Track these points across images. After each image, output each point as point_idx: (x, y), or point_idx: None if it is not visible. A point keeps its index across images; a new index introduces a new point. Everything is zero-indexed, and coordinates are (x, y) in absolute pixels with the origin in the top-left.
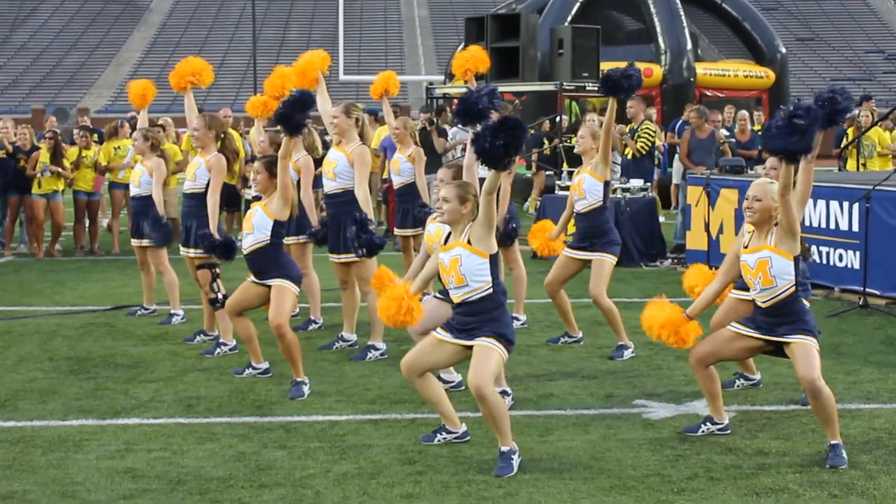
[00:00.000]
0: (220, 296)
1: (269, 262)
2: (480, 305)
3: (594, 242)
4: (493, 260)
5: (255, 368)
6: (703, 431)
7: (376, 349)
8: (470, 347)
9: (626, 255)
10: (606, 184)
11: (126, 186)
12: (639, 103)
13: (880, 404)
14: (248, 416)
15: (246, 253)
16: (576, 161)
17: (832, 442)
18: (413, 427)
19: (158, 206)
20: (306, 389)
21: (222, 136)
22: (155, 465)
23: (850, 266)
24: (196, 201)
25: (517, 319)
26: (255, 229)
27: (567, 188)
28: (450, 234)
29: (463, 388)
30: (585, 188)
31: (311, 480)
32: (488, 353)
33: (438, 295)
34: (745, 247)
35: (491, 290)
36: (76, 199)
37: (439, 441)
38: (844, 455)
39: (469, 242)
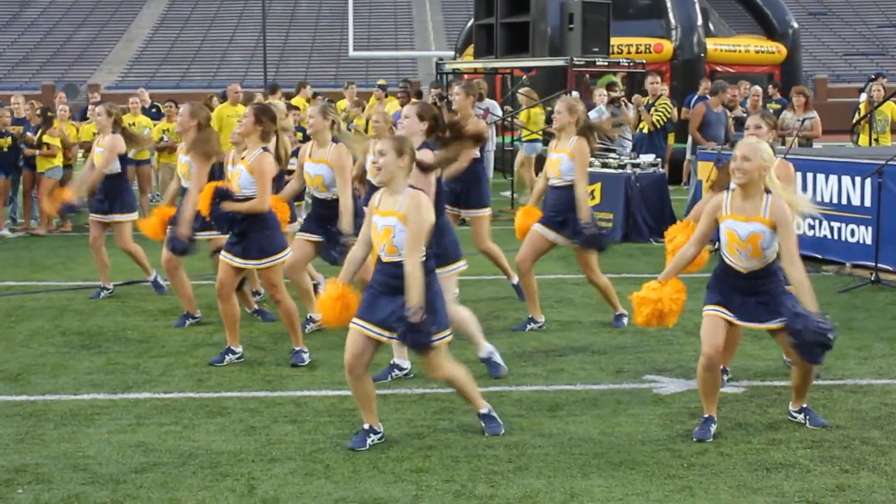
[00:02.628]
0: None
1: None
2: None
3: (569, 218)
4: (429, 231)
5: (233, 353)
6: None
7: (314, 321)
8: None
9: (635, 230)
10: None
11: (137, 163)
12: (656, 79)
13: (892, 380)
14: (259, 390)
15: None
16: None
17: (804, 405)
18: (422, 402)
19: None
20: (306, 357)
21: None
22: (166, 439)
23: (861, 241)
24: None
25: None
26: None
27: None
28: (382, 194)
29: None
30: (562, 169)
31: (321, 454)
32: (432, 351)
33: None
34: (727, 211)
35: (423, 259)
36: None
37: (371, 443)
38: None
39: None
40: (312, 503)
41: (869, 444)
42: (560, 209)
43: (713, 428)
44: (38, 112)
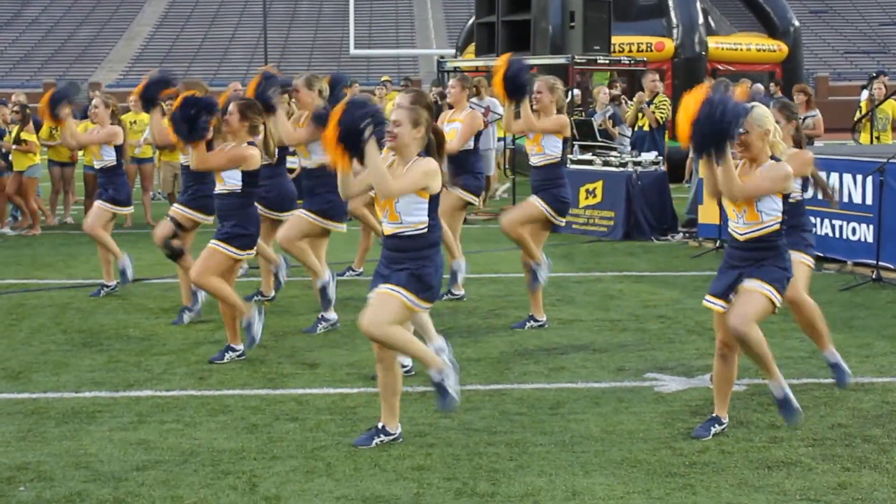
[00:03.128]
0: (178, 247)
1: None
2: (411, 242)
3: (544, 189)
4: (433, 200)
5: (234, 350)
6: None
7: (326, 320)
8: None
9: (637, 229)
10: (565, 140)
11: (140, 161)
12: (656, 76)
13: (893, 378)
14: (260, 388)
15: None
16: (587, 136)
17: (772, 386)
18: (424, 400)
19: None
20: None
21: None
22: (167, 437)
23: (863, 239)
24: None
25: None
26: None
27: (578, 162)
28: (392, 161)
29: (413, 373)
30: (544, 143)
31: (322, 452)
32: (387, 299)
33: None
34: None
35: (426, 230)
36: (85, 174)
37: (377, 443)
38: (792, 402)
39: None
40: (314, 501)
41: (870, 443)
42: (538, 188)
43: (714, 429)
44: (16, 109)
